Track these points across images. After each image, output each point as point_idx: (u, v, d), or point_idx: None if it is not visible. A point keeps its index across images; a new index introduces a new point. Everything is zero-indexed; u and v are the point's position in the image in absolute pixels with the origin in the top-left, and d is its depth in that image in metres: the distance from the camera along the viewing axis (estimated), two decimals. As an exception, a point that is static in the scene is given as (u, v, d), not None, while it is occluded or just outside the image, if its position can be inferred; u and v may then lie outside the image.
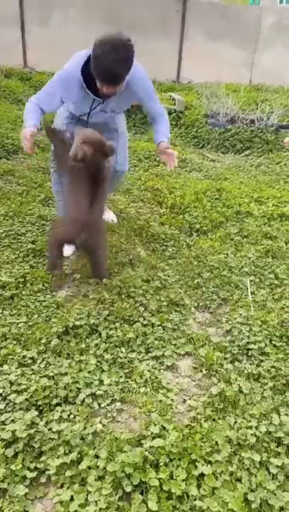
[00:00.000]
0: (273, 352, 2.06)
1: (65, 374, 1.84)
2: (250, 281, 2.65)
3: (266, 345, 2.10)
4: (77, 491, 1.41)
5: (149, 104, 2.61)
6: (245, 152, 5.41)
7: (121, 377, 1.90)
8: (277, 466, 1.52)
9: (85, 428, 1.62)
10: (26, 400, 1.69)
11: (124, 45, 2.12)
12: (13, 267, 2.57)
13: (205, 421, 1.68)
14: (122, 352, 2.03)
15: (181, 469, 1.47)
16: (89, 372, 1.87)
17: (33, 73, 8.27)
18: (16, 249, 2.75)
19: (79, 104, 2.50)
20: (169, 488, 1.41)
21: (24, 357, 1.93)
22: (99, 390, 1.80)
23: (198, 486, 1.44)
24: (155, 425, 1.63)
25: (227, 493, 1.42)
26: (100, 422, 1.68)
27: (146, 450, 1.52)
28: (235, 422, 1.69)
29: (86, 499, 1.39)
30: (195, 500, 1.40)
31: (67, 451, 1.53)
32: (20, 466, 1.46)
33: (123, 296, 2.38)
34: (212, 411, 1.74)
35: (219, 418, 1.71)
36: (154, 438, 1.58)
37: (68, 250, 2.74)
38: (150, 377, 1.89)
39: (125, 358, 2.00)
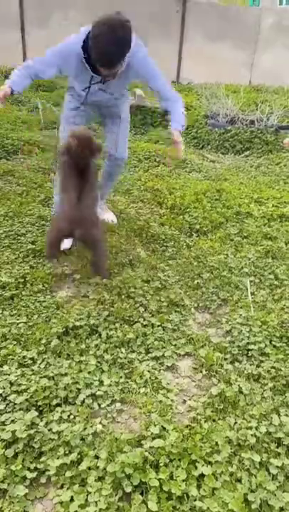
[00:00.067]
0: (273, 352, 2.06)
1: (65, 374, 1.84)
2: (250, 281, 2.65)
3: (266, 345, 2.10)
4: (77, 492, 1.41)
5: (154, 83, 2.55)
6: (245, 153, 5.41)
7: (121, 377, 1.90)
8: (277, 466, 1.51)
9: (85, 428, 1.62)
10: (26, 400, 1.69)
11: (122, 25, 2.11)
12: (13, 267, 2.57)
13: (205, 421, 1.68)
14: (122, 352, 2.03)
15: (181, 470, 1.47)
16: (89, 372, 1.87)
17: (33, 74, 8.26)
18: (16, 250, 2.75)
19: (78, 79, 2.49)
20: (169, 489, 1.41)
21: (24, 357, 1.93)
22: (99, 390, 1.80)
23: (198, 487, 1.44)
24: (155, 426, 1.63)
25: (227, 494, 1.42)
26: (100, 423, 1.68)
27: (146, 450, 1.52)
28: (235, 423, 1.69)
29: (86, 500, 1.39)
30: (195, 500, 1.40)
31: (67, 452, 1.53)
32: (21, 466, 1.46)
33: (123, 296, 2.38)
34: (212, 411, 1.74)
35: (219, 419, 1.71)
36: (154, 438, 1.58)
37: (67, 244, 2.76)
38: (150, 378, 1.89)
39: (125, 358, 2.00)
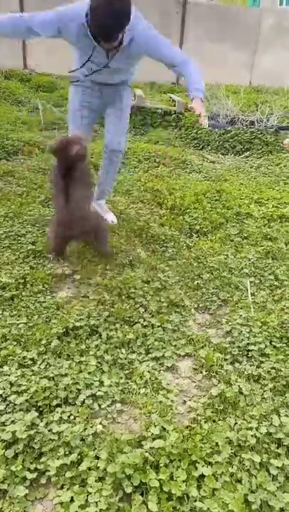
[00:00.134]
0: (273, 353, 2.06)
1: (65, 375, 1.84)
2: (250, 282, 2.65)
3: (266, 346, 2.10)
4: (77, 492, 1.41)
5: (161, 53, 2.49)
6: (245, 153, 5.42)
7: (121, 378, 1.90)
8: (277, 467, 1.51)
9: (85, 429, 1.61)
10: (26, 401, 1.69)
11: None
12: (13, 268, 2.57)
13: (205, 422, 1.68)
14: (122, 353, 2.03)
15: (182, 470, 1.47)
16: (89, 373, 1.87)
17: (33, 75, 8.28)
18: (16, 250, 2.75)
19: (79, 45, 2.46)
20: (169, 489, 1.41)
21: (24, 358, 1.93)
22: (99, 391, 1.80)
23: (199, 487, 1.44)
24: (155, 426, 1.63)
25: (227, 494, 1.42)
26: (100, 423, 1.68)
27: (146, 451, 1.52)
28: (236, 423, 1.69)
29: (86, 500, 1.39)
30: (195, 501, 1.40)
31: (67, 452, 1.53)
32: (21, 467, 1.46)
33: (123, 297, 2.39)
34: (212, 412, 1.74)
35: (219, 419, 1.71)
36: (154, 439, 1.57)
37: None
38: (150, 378, 1.89)
39: (125, 359, 2.00)
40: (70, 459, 1.49)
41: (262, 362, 2.02)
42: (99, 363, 1.95)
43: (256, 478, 1.48)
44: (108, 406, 1.76)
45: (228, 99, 6.21)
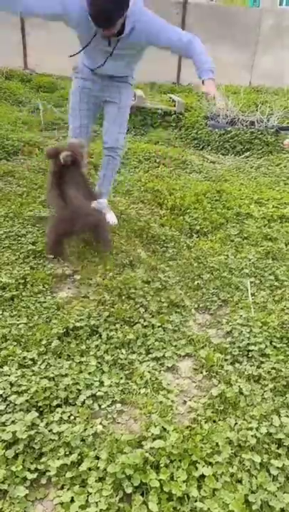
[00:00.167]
0: (274, 353, 2.06)
1: (66, 375, 1.84)
2: (251, 282, 2.65)
3: (266, 346, 2.10)
4: (77, 493, 1.41)
5: (166, 38, 2.47)
6: (245, 154, 5.42)
7: (121, 378, 1.90)
8: (277, 467, 1.51)
9: (85, 429, 1.61)
10: (27, 401, 1.69)
11: None
12: (13, 268, 2.57)
13: (205, 422, 1.68)
14: (122, 353, 2.02)
15: (182, 470, 1.47)
16: (89, 373, 1.87)
17: (34, 75, 8.29)
18: (17, 251, 2.75)
19: (79, 30, 2.46)
20: (169, 490, 1.41)
21: (24, 358, 1.93)
22: (99, 391, 1.80)
23: (199, 488, 1.44)
24: (155, 426, 1.63)
25: (228, 495, 1.42)
26: (101, 424, 1.68)
27: (146, 451, 1.51)
28: (236, 424, 1.69)
29: (87, 500, 1.39)
30: (195, 501, 1.40)
31: (67, 453, 1.53)
32: (21, 467, 1.46)
33: (123, 297, 2.39)
34: (212, 412, 1.74)
35: (220, 419, 1.71)
36: (154, 439, 1.57)
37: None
38: (150, 379, 1.89)
39: (126, 359, 2.00)
40: (70, 459, 1.49)
41: (262, 362, 2.02)
42: (99, 363, 1.95)
43: (256, 478, 1.48)
44: (108, 406, 1.76)
45: (228, 100, 6.21)
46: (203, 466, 1.49)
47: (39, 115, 5.84)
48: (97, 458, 1.51)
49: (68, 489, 1.43)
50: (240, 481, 1.48)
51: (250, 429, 1.65)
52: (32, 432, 1.56)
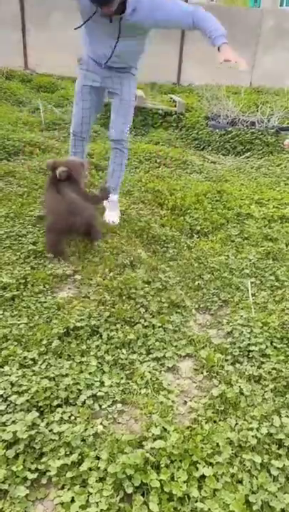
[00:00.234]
0: (274, 354, 2.06)
1: (66, 375, 1.84)
2: (251, 283, 2.65)
3: (267, 347, 2.10)
4: (78, 493, 1.41)
5: (169, 10, 2.44)
6: (246, 154, 5.42)
7: (122, 378, 1.90)
8: (278, 468, 1.51)
9: (85, 429, 1.61)
10: (27, 401, 1.69)
11: None
12: (14, 268, 2.57)
13: (206, 422, 1.68)
14: (122, 353, 2.03)
15: (182, 471, 1.47)
16: (90, 373, 1.87)
17: (34, 75, 8.29)
18: (17, 251, 2.75)
19: (80, 7, 2.49)
20: (170, 490, 1.41)
21: (25, 358, 1.93)
22: (100, 391, 1.80)
23: (200, 488, 1.44)
24: (156, 427, 1.63)
25: (228, 495, 1.42)
26: (101, 424, 1.68)
27: (147, 451, 1.51)
28: (236, 424, 1.69)
29: (87, 500, 1.39)
30: (196, 501, 1.40)
31: (68, 453, 1.53)
32: (21, 467, 1.46)
33: (124, 297, 2.39)
34: (213, 413, 1.74)
35: (220, 420, 1.71)
36: (155, 439, 1.57)
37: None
38: (151, 379, 1.89)
39: (126, 359, 2.00)
40: (70, 459, 1.49)
41: (263, 362, 2.02)
42: (100, 363, 1.95)
43: (257, 478, 1.48)
44: (109, 406, 1.76)
45: (228, 100, 6.22)
46: (204, 466, 1.49)
47: (40, 115, 5.84)
48: (98, 458, 1.51)
49: (69, 489, 1.43)
50: (240, 482, 1.48)
51: (251, 429, 1.65)
52: (32, 432, 1.56)
